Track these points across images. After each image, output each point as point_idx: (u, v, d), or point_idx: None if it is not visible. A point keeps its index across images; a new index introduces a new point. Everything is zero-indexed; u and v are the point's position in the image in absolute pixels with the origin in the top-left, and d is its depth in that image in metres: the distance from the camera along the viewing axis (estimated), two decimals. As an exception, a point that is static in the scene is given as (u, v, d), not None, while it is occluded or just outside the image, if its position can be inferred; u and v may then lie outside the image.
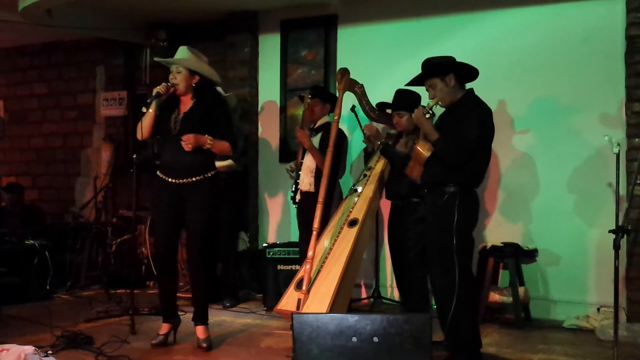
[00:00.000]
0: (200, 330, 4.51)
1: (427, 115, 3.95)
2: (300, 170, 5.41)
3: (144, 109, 4.39)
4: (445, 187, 3.93)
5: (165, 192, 4.45)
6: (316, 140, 5.37)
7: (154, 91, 4.38)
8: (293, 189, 5.51)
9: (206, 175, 4.43)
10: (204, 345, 4.44)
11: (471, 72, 4.07)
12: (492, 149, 4.11)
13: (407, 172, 4.31)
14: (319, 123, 5.47)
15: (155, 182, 4.53)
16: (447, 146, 3.90)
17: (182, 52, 4.51)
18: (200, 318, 4.53)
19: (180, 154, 4.35)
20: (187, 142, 4.31)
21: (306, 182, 5.33)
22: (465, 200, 3.93)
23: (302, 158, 5.42)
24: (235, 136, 4.62)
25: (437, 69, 4.01)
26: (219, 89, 6.04)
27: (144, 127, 4.41)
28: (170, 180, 4.42)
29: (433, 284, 4.13)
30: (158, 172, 4.50)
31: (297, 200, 5.47)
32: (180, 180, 4.39)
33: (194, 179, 4.39)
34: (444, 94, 4.00)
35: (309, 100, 5.50)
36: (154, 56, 7.17)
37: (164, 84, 4.39)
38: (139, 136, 4.47)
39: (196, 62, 4.50)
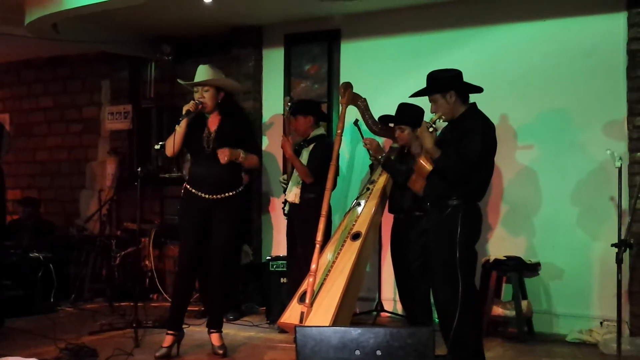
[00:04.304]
0: (215, 338, 4.61)
1: (430, 129, 3.97)
2: (290, 180, 5.39)
3: (177, 127, 4.42)
4: (448, 200, 3.94)
5: (195, 206, 4.55)
6: (308, 151, 5.31)
7: (184, 109, 4.45)
8: (283, 201, 5.52)
9: (237, 191, 4.57)
10: (220, 352, 4.53)
11: (473, 90, 4.09)
12: (495, 162, 4.13)
13: (409, 184, 4.33)
14: (312, 135, 5.37)
15: (183, 195, 4.62)
16: (448, 163, 3.92)
17: (205, 71, 4.55)
18: (216, 325, 4.63)
19: (213, 170, 4.47)
20: (223, 154, 4.41)
21: (293, 192, 5.30)
22: (469, 214, 3.94)
23: (292, 168, 5.41)
24: (260, 149, 4.77)
25: (438, 86, 4.04)
26: None
27: (175, 143, 4.46)
28: (202, 195, 4.51)
29: (436, 298, 4.13)
30: (188, 187, 4.58)
31: (285, 212, 5.48)
32: (213, 196, 4.50)
33: (225, 194, 4.51)
34: (445, 110, 4.02)
35: (287, 106, 5.55)
36: (158, 71, 7.23)
37: (192, 102, 4.46)
38: (168, 152, 4.53)
39: (220, 79, 4.59)
